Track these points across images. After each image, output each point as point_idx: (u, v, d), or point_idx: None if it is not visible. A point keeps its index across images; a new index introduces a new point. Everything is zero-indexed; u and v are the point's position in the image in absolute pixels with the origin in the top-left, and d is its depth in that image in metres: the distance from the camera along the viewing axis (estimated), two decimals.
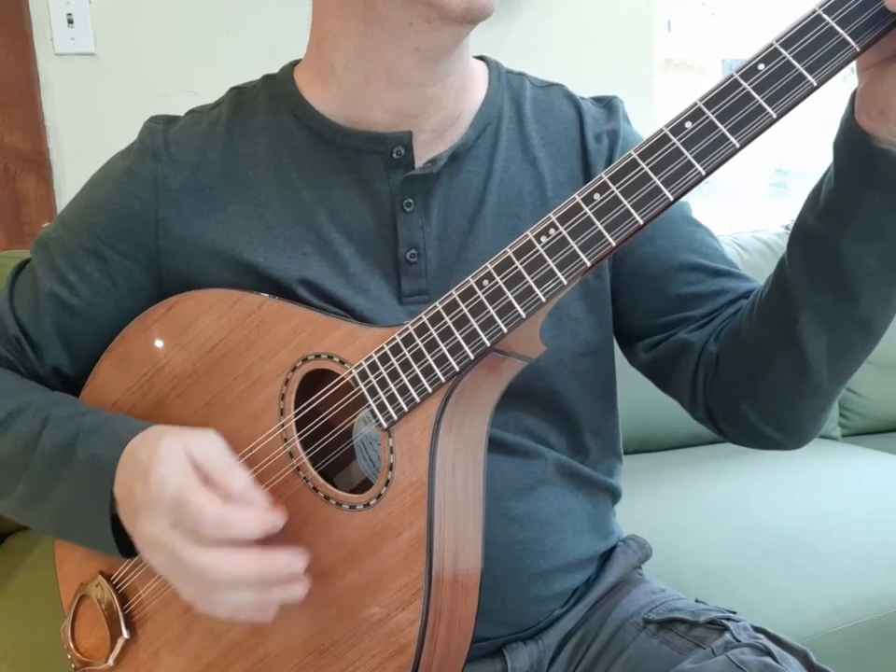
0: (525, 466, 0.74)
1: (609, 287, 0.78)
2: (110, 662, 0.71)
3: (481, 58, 0.81)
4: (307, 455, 0.65)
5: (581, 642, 0.79)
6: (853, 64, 0.55)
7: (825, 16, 0.52)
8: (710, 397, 0.76)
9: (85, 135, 1.59)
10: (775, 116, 0.53)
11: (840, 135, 0.61)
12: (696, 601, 0.79)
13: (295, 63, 0.78)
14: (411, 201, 0.73)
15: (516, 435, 0.74)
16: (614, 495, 0.84)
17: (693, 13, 2.20)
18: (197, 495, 0.58)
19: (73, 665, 0.74)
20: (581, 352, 0.76)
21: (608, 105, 0.82)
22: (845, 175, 0.62)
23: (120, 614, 0.70)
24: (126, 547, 0.65)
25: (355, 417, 0.67)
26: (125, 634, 0.70)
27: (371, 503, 0.62)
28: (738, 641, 0.69)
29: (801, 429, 0.75)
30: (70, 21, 1.57)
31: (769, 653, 0.66)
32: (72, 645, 0.74)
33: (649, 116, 1.90)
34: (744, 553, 1.19)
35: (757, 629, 0.71)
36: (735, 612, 0.75)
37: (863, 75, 0.58)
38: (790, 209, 0.66)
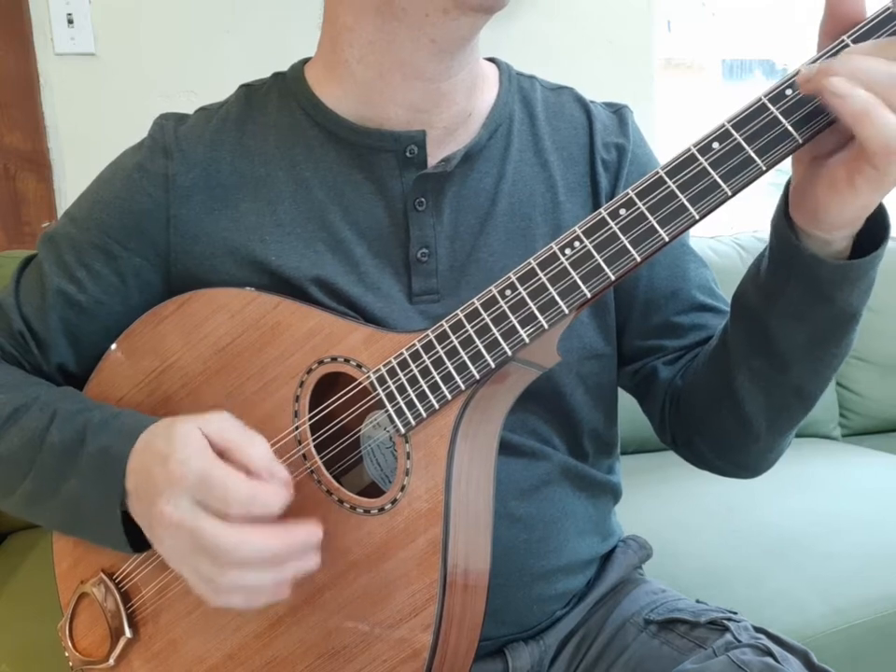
0: (530, 467, 0.75)
1: (613, 294, 0.79)
2: (111, 661, 0.70)
3: (491, 60, 0.81)
4: (322, 458, 0.65)
5: (582, 642, 0.79)
6: None
7: (850, 42, 0.52)
8: (673, 427, 0.80)
9: (85, 135, 1.58)
10: (801, 140, 0.53)
11: (774, 218, 0.62)
12: (697, 601, 0.80)
13: (305, 62, 0.78)
14: (423, 200, 0.73)
15: (522, 436, 0.74)
16: (615, 494, 0.84)
17: (693, 13, 2.20)
18: (222, 472, 0.57)
19: (71, 664, 0.73)
20: (586, 355, 0.77)
21: (618, 112, 0.82)
22: (773, 258, 0.63)
23: (123, 613, 0.70)
24: (135, 542, 0.65)
25: (368, 422, 0.66)
26: (128, 633, 0.69)
27: (386, 508, 0.62)
28: (739, 641, 0.70)
29: (750, 467, 0.78)
30: (70, 21, 1.57)
31: (770, 654, 0.67)
32: (70, 643, 0.73)
33: (649, 116, 1.90)
34: (744, 554, 1.19)
35: (758, 629, 0.72)
36: (735, 613, 0.75)
37: (797, 168, 0.58)
38: None
